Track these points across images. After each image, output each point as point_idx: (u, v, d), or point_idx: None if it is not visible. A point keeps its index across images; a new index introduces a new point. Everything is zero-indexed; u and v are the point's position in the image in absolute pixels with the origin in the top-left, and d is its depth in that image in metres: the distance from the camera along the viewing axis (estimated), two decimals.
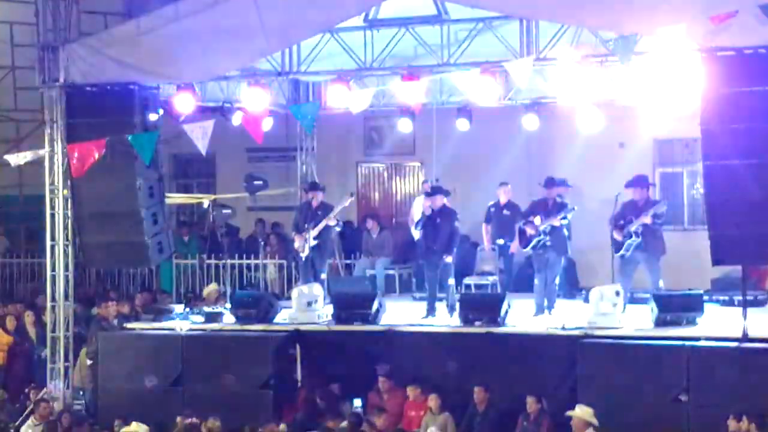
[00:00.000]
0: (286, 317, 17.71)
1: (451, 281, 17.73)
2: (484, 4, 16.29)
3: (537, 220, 17.39)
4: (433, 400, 15.74)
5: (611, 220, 17.29)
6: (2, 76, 23.75)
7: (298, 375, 16.98)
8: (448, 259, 17.54)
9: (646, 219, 16.87)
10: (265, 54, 17.69)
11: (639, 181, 17.46)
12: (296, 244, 18.82)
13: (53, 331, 18.18)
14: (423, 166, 23.30)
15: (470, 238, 20.49)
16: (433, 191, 17.96)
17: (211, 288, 19.87)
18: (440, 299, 17.78)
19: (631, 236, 16.93)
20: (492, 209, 19.71)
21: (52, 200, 18.21)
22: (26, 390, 18.08)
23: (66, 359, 18.16)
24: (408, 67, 17.38)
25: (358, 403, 16.55)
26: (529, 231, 17.48)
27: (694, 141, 16.71)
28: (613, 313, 16.00)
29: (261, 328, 17.37)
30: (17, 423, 17.16)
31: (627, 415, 14.99)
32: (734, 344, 14.94)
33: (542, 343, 15.99)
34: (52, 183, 18.20)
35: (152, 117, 17.81)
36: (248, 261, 21.44)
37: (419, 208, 20.19)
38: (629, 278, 17.22)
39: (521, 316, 17.02)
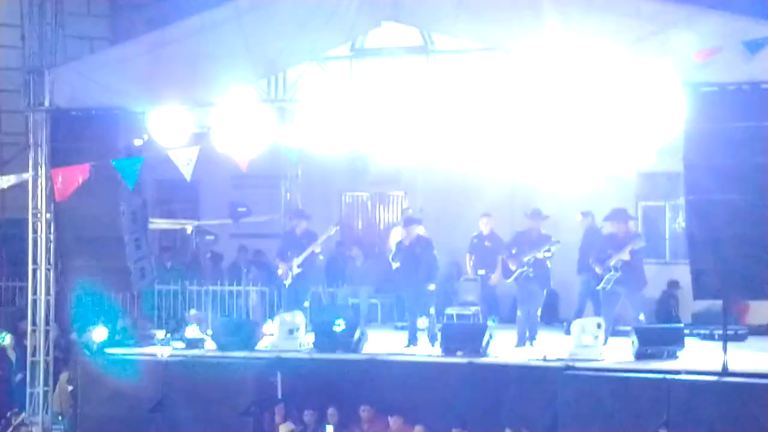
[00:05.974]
0: (267, 344, 17.70)
1: (432, 310, 17.73)
2: (469, 35, 16.35)
3: (513, 265, 17.44)
4: None
5: (592, 254, 17.39)
6: None
7: (279, 402, 16.90)
8: (431, 287, 17.57)
9: (624, 255, 16.93)
10: (252, 81, 17.75)
11: (618, 215, 17.51)
12: (280, 271, 18.84)
13: (33, 355, 18.12)
14: (407, 195, 23.32)
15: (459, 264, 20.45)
16: (408, 222, 17.94)
17: (194, 313, 19.81)
18: (422, 329, 17.79)
19: (610, 270, 17.01)
20: (475, 240, 19.73)
21: (34, 224, 18.15)
22: (7, 414, 17.96)
23: (45, 384, 18.09)
24: None
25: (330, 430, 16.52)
26: (512, 265, 17.50)
27: (677, 175, 16.73)
28: (595, 345, 16.03)
29: (242, 354, 17.33)
30: None
31: None
32: (714, 378, 14.98)
33: (523, 374, 15.97)
34: (35, 207, 18.15)
35: (137, 142, 17.82)
36: (230, 288, 21.40)
37: (397, 237, 20.20)
38: (611, 311, 17.28)
39: (503, 346, 17.02)
